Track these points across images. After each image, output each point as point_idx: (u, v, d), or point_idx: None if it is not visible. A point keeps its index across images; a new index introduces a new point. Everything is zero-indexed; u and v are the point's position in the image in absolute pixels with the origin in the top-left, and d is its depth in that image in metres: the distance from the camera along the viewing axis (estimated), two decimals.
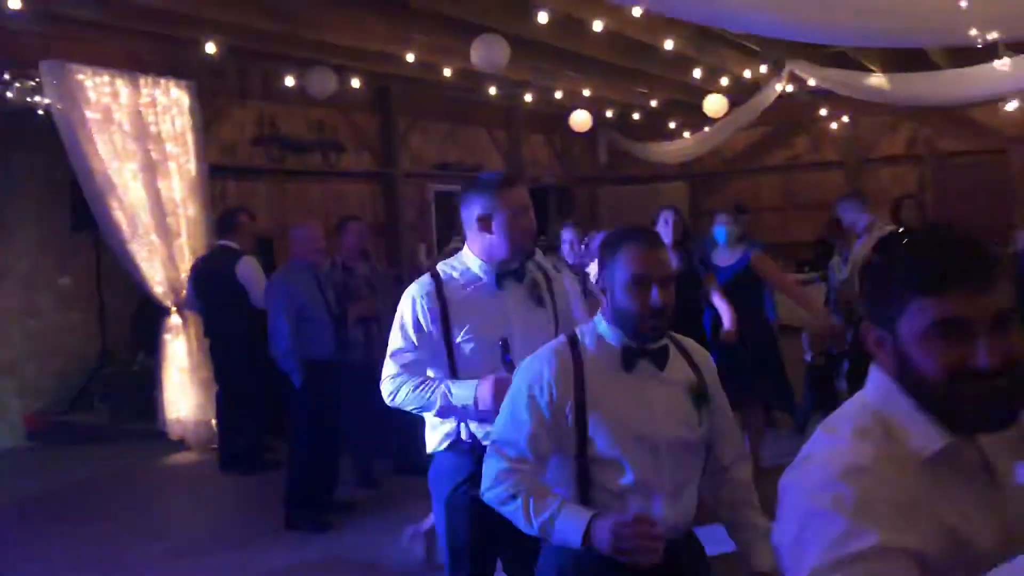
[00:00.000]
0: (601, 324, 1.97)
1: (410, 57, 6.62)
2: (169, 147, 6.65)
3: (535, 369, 1.94)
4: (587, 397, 1.88)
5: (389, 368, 2.47)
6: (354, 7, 6.14)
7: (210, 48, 5.92)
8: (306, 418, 4.96)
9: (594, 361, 1.92)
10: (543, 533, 1.81)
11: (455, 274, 2.48)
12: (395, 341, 2.48)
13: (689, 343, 2.08)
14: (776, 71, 8.19)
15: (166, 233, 6.54)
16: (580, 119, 10.32)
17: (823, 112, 10.38)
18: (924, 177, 10.39)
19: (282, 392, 5.00)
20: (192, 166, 6.79)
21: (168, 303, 6.56)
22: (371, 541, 4.68)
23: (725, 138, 9.94)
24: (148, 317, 6.88)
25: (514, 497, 1.84)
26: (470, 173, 9.91)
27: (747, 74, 8.14)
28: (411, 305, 2.44)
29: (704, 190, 11.59)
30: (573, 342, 1.97)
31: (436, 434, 2.55)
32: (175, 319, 6.59)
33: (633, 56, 7.84)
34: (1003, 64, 7.57)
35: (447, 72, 7.13)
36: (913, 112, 10.21)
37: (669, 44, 6.66)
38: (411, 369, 2.44)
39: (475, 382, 2.35)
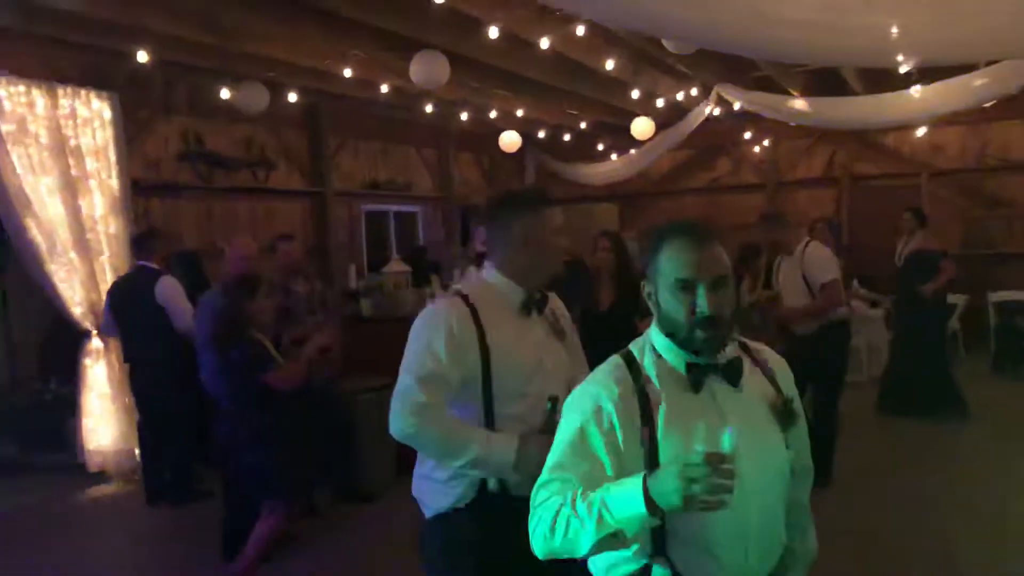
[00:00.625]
0: (658, 338, 1.69)
1: (347, 73, 6.48)
2: (89, 162, 6.32)
3: (590, 398, 1.64)
4: (656, 428, 1.58)
5: (413, 396, 2.09)
6: (290, 20, 5.98)
7: (142, 57, 5.65)
8: (240, 446, 4.72)
9: (658, 382, 1.64)
10: (600, 525, 1.45)
11: (486, 297, 2.22)
12: (420, 367, 2.11)
13: (765, 351, 1.81)
14: (704, 94, 8.37)
15: (86, 251, 6.19)
16: (510, 139, 10.35)
17: (747, 136, 10.69)
18: (840, 200, 10.79)
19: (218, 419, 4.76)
20: (114, 182, 6.46)
21: (88, 325, 6.20)
22: (314, 573, 4.48)
23: (653, 160, 10.10)
24: (62, 342, 6.48)
25: (557, 514, 1.52)
26: (400, 192, 9.80)
27: (680, 96, 8.28)
28: (444, 327, 2.14)
29: (632, 211, 11.75)
30: (630, 362, 1.69)
31: (451, 486, 2.21)
32: (96, 343, 6.23)
33: (568, 77, 7.91)
34: (916, 92, 7.96)
35: (384, 88, 7.01)
36: (830, 137, 10.64)
37: (610, 64, 6.72)
38: (437, 399, 2.10)
39: (515, 437, 2.10)
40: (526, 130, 10.59)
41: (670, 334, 1.66)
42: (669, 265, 1.63)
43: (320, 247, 8.66)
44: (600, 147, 11.16)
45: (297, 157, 8.47)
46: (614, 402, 1.60)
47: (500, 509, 2.14)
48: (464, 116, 8.76)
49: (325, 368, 5.30)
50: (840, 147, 10.83)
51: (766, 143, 10.91)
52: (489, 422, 2.16)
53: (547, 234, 2.23)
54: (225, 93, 6.73)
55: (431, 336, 2.15)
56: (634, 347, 1.73)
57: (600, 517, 1.45)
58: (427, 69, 6.23)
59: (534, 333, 2.26)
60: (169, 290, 5.45)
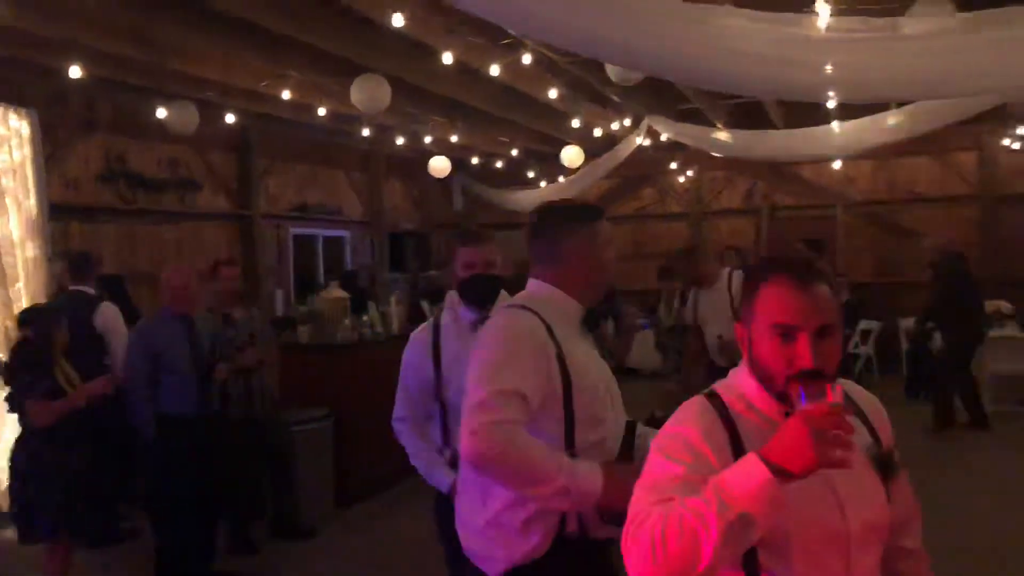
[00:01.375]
0: (746, 381, 1.50)
1: (286, 95, 6.33)
2: (5, 182, 5.97)
3: (677, 436, 1.44)
4: None
5: (491, 413, 1.84)
6: (226, 39, 5.82)
7: (74, 73, 5.38)
8: (167, 480, 4.53)
9: (748, 430, 1.44)
10: (722, 510, 1.22)
11: (550, 313, 2.03)
12: (500, 380, 1.88)
13: (860, 393, 1.63)
14: (634, 125, 8.54)
15: (1, 276, 5.83)
16: (439, 165, 10.31)
17: (673, 166, 10.94)
18: (760, 229, 11.15)
19: (143, 452, 4.58)
20: (32, 203, 6.11)
21: (3, 356, 5.81)
22: None
23: (584, 187, 10.23)
24: None
25: (666, 520, 1.26)
26: (329, 216, 9.63)
27: (615, 127, 8.43)
28: (528, 340, 1.95)
29: None
30: (714, 399, 1.50)
31: (530, 531, 1.94)
32: None
33: (504, 105, 7.95)
34: (836, 127, 8.33)
35: (322, 112, 6.88)
36: (750, 168, 11.00)
37: (553, 93, 6.78)
38: (518, 417, 1.87)
39: (598, 467, 1.91)
40: (457, 156, 10.58)
41: (765, 380, 1.46)
42: (767, 306, 1.44)
43: (248, 271, 8.39)
44: (530, 174, 11.23)
45: (223, 179, 8.21)
46: (702, 439, 1.41)
47: (582, 555, 1.94)
48: (400, 141, 8.68)
49: (263, 398, 5.13)
50: (760, 178, 11.21)
51: (690, 173, 11.19)
52: (570, 451, 1.96)
53: (602, 247, 2.11)
54: (156, 112, 6.48)
55: (513, 347, 1.94)
56: (718, 388, 1.54)
57: (719, 502, 1.23)
58: (368, 93, 6.15)
59: (592, 352, 2.14)
60: (111, 318, 5.21)
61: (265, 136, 8.41)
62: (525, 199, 11.16)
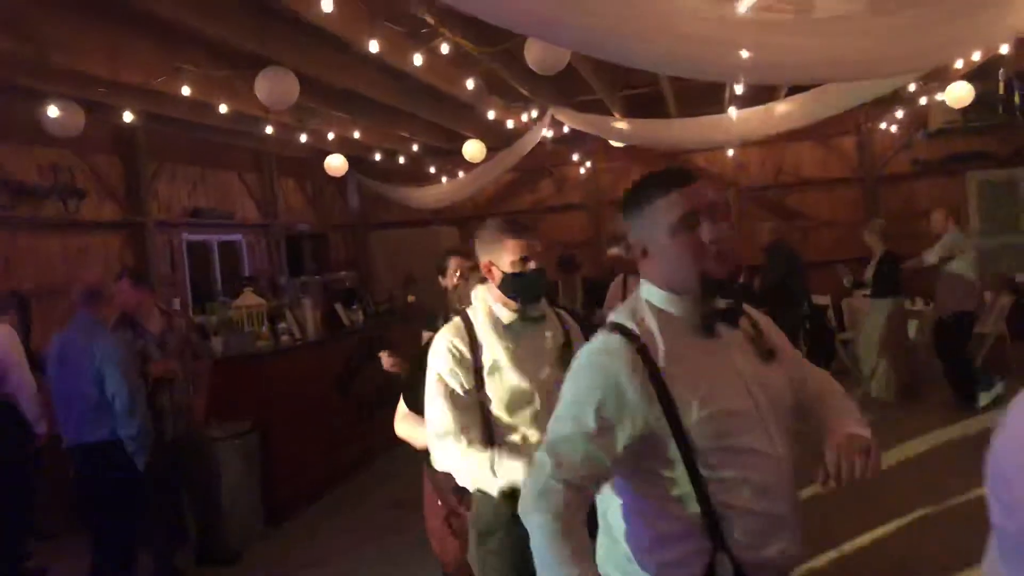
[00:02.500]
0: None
1: (186, 91, 5.92)
2: None
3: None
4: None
5: (540, 470, 1.64)
6: (113, 31, 5.39)
7: None
8: (117, 509, 4.22)
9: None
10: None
11: (655, 326, 1.67)
12: (559, 428, 1.65)
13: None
14: (540, 117, 8.51)
15: None
16: (336, 163, 9.97)
17: (575, 157, 11.00)
18: None
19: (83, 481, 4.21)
20: None
21: None
22: None
23: (486, 182, 10.14)
24: None
25: None
26: (224, 221, 9.16)
27: (524, 118, 8.38)
28: (602, 380, 1.63)
29: (466, 233, 11.71)
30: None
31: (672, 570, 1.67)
32: None
33: (410, 99, 7.76)
34: (731, 116, 8.58)
35: (223, 109, 6.48)
36: (646, 159, 11.19)
37: (470, 84, 6.65)
38: (572, 479, 1.62)
39: None
40: (354, 154, 10.26)
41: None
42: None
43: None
44: (432, 170, 11.04)
45: (109, 185, 7.63)
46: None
47: None
48: (304, 139, 8.32)
49: (178, 416, 4.77)
50: (654, 168, 11.39)
51: (588, 164, 11.29)
52: (710, 518, 1.62)
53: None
54: (35, 112, 5.92)
55: (582, 392, 1.66)
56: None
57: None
58: (275, 88, 5.83)
59: (733, 358, 1.70)
60: (9, 340, 4.74)
61: (153, 138, 7.87)
62: (425, 196, 10.98)
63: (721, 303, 1.68)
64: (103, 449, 4.20)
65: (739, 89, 7.05)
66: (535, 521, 1.62)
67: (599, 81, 8.03)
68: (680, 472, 1.61)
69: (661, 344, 1.64)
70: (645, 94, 9.30)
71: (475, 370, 2.46)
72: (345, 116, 8.19)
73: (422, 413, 2.66)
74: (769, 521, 1.63)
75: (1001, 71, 5.63)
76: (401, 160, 10.57)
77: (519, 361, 2.46)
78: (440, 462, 2.47)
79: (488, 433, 2.44)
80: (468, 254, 4.63)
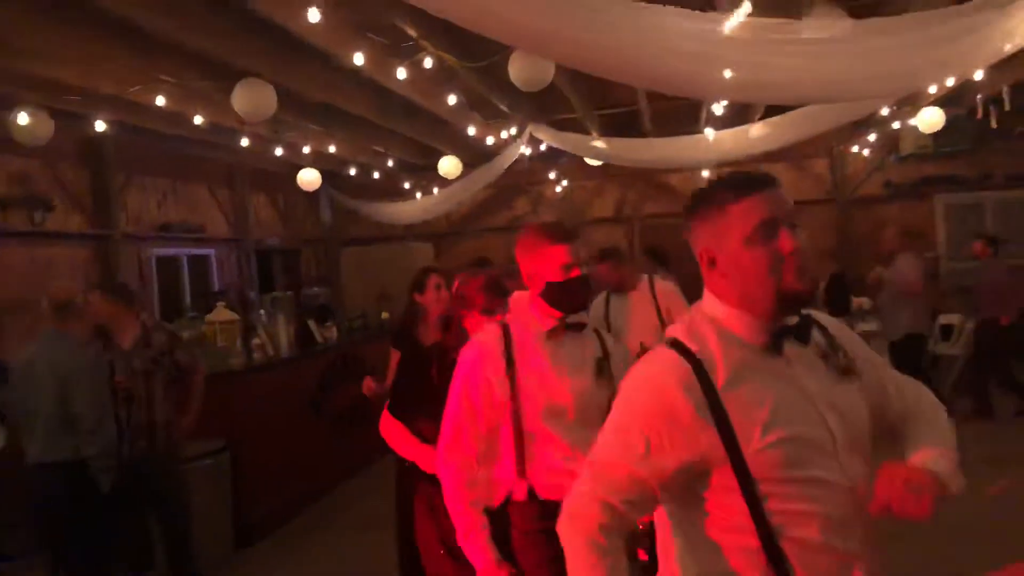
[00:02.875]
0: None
1: (160, 101, 5.79)
2: None
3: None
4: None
5: (582, 501, 1.57)
6: (87, 38, 5.24)
7: None
8: (79, 531, 4.06)
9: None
10: None
11: (715, 342, 1.53)
12: (604, 458, 1.56)
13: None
14: (519, 134, 8.48)
15: None
16: (309, 178, 9.85)
17: (552, 175, 10.99)
18: (632, 236, 11.40)
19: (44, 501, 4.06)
20: None
21: None
22: None
23: (463, 198, 10.07)
24: None
25: None
26: (193, 235, 8.98)
27: (504, 135, 8.34)
28: (651, 401, 1.51)
29: (441, 249, 11.63)
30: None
31: None
32: None
33: (388, 114, 7.68)
34: (708, 136, 8.63)
35: (198, 120, 6.35)
36: (620, 178, 11.25)
37: (452, 99, 6.61)
38: (617, 511, 1.53)
39: None
40: (327, 168, 10.15)
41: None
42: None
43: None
44: (407, 185, 10.96)
45: (77, 196, 7.44)
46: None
47: None
48: (279, 152, 8.21)
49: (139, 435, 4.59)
50: (629, 188, 11.49)
51: (565, 183, 11.29)
52: (771, 554, 1.46)
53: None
54: (4, 121, 5.75)
55: (632, 411, 1.54)
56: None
57: None
58: (253, 100, 5.72)
59: (803, 378, 1.53)
60: None
61: (122, 148, 7.70)
62: (399, 212, 10.89)
63: (791, 318, 1.54)
64: (66, 468, 4.02)
65: (718, 110, 7.09)
66: (570, 540, 1.55)
67: (578, 99, 8.03)
68: (737, 502, 1.46)
69: (722, 363, 1.49)
70: (622, 113, 9.33)
71: (510, 378, 2.38)
72: (320, 129, 8.09)
73: (406, 419, 2.64)
74: (839, 559, 1.47)
75: (979, 96, 5.69)
76: (376, 175, 10.48)
77: (557, 370, 2.40)
78: (441, 477, 2.43)
79: (519, 444, 2.38)
80: (445, 271, 4.55)
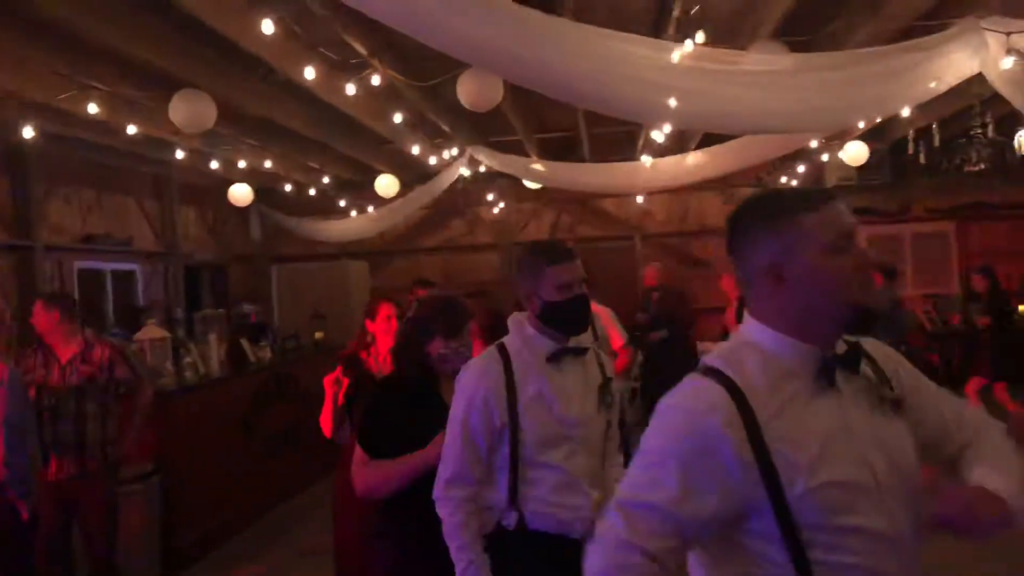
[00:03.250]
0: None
1: (92, 109, 5.57)
2: None
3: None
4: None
5: (615, 544, 1.38)
6: (22, 40, 5.02)
7: None
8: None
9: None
10: None
11: (758, 372, 1.40)
12: (636, 498, 1.39)
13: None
14: (460, 155, 8.48)
15: None
16: (240, 193, 9.64)
17: (490, 197, 11.00)
18: None
19: None
20: None
21: None
22: None
23: (398, 219, 9.99)
24: None
25: None
26: (119, 248, 8.66)
27: (447, 156, 8.32)
28: (686, 438, 1.37)
29: (376, 268, 11.48)
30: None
31: None
32: None
33: (326, 130, 7.58)
34: (645, 163, 8.78)
35: (131, 130, 6.14)
36: (555, 202, 11.35)
37: (398, 118, 6.55)
38: (655, 552, 1.35)
39: None
40: (259, 184, 9.94)
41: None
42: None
43: (26, 311, 7.26)
44: (342, 203, 10.81)
45: None
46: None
47: None
48: (215, 165, 8.00)
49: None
50: (564, 211, 11.59)
51: (502, 204, 11.32)
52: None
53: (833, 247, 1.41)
54: None
55: (665, 448, 1.40)
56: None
57: None
58: (191, 111, 5.57)
59: (851, 414, 1.40)
60: None
61: (46, 158, 7.38)
62: (332, 230, 10.73)
63: (842, 345, 1.44)
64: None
65: (660, 138, 7.21)
66: None
67: (519, 122, 8.08)
68: (778, 551, 1.33)
69: (766, 395, 1.36)
70: (561, 138, 9.43)
71: (510, 405, 2.28)
72: (256, 144, 7.92)
73: (383, 457, 2.55)
74: None
75: (911, 131, 5.95)
76: (312, 192, 10.31)
77: (559, 395, 2.31)
78: (441, 513, 2.29)
79: (513, 471, 2.29)
80: (396, 301, 4.42)
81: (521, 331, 2.39)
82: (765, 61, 4.91)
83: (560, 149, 9.65)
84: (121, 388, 4.44)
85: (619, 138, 9.55)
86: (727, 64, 4.78)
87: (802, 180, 10.59)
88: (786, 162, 9.93)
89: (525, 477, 2.29)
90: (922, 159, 5.66)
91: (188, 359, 5.87)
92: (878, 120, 6.57)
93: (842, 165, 9.73)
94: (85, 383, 4.25)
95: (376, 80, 5.35)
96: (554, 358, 2.34)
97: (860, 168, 9.61)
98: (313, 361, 7.93)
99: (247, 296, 11.06)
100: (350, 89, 5.33)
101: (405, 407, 2.62)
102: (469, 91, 5.40)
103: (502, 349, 2.38)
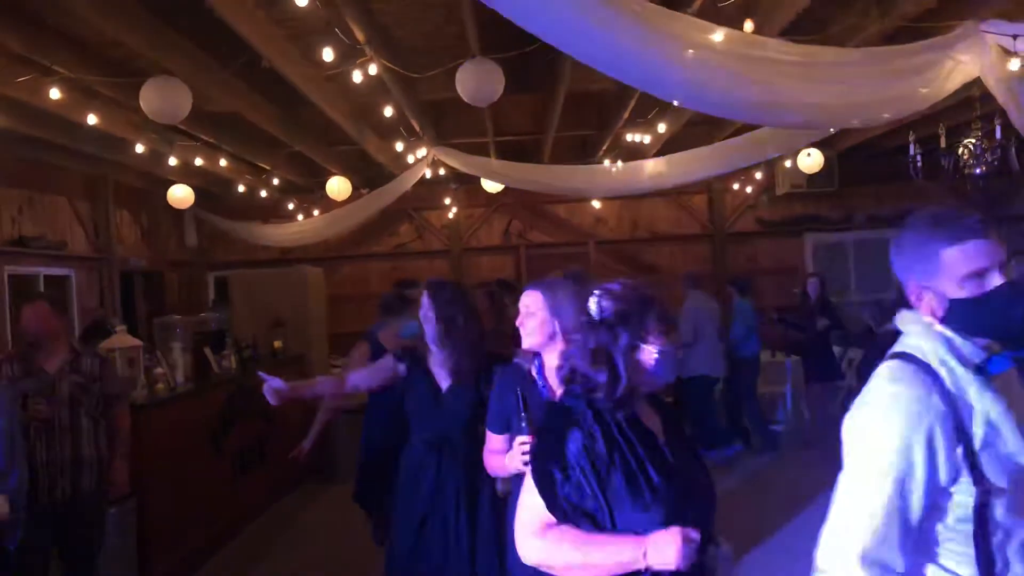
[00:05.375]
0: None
1: (55, 94, 5.06)
2: None
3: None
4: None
5: None
6: None
7: None
8: None
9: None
10: None
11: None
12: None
13: None
14: (426, 156, 8.19)
15: None
16: (180, 194, 9.08)
17: (448, 201, 10.72)
18: (520, 264, 11.30)
19: None
20: None
21: None
22: None
23: (352, 223, 9.58)
24: None
25: None
26: (52, 252, 8.00)
27: (411, 159, 8.02)
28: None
29: (330, 273, 10.98)
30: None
31: None
32: None
33: (288, 127, 7.19)
34: (607, 167, 8.71)
35: (92, 120, 5.62)
36: (507, 207, 11.15)
37: (389, 111, 6.24)
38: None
39: None
40: (203, 185, 9.40)
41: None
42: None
43: None
44: (290, 206, 10.34)
45: None
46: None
47: None
48: (172, 162, 7.50)
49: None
50: (516, 217, 11.40)
51: (455, 210, 11.06)
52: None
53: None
54: None
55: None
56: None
57: None
58: (163, 99, 5.12)
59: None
60: None
61: None
62: (277, 234, 10.24)
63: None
64: None
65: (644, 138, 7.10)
66: None
67: (489, 122, 7.88)
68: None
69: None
70: (522, 141, 9.24)
71: (964, 446, 1.45)
72: (213, 141, 7.44)
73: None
74: None
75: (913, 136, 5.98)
76: (264, 193, 9.82)
77: (1019, 424, 1.53)
78: None
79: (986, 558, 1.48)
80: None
81: (932, 334, 1.59)
82: (801, 51, 4.75)
83: (520, 152, 9.47)
84: (105, 402, 3.99)
85: (577, 145, 9.46)
86: (757, 49, 4.61)
87: (756, 186, 10.73)
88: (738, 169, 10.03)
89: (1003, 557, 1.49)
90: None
91: (159, 369, 5.39)
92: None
93: (794, 172, 9.91)
94: (79, 394, 3.80)
95: (359, 77, 5.02)
96: (993, 369, 1.59)
97: (811, 175, 9.79)
98: (277, 371, 7.48)
99: (182, 305, 10.44)
100: (357, 77, 4.98)
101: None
102: (469, 85, 5.15)
103: (911, 359, 1.57)
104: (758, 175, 10.19)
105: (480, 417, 3.01)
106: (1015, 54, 4.69)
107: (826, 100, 4.67)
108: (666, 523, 1.69)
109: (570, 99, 7.01)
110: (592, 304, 1.95)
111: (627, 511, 1.74)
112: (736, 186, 10.83)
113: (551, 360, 2.52)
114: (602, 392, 1.83)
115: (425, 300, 3.35)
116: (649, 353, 1.87)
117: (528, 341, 2.57)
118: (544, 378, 2.55)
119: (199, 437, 5.70)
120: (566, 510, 1.75)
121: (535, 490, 1.79)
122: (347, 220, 9.41)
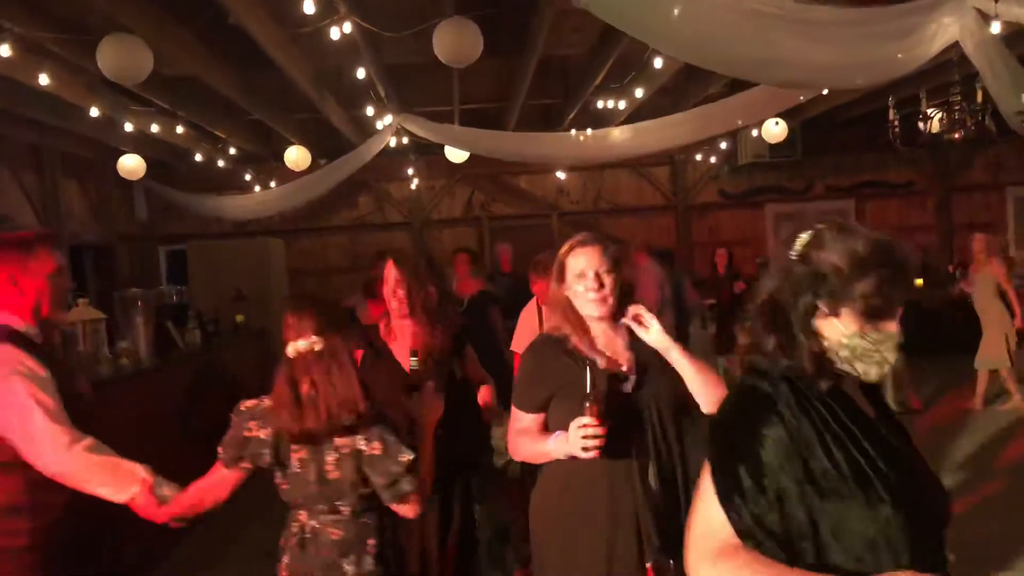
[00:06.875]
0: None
1: (4, 51, 4.74)
2: None
3: None
4: None
5: None
6: None
7: None
8: None
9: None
10: None
11: None
12: None
13: None
14: (391, 125, 7.96)
15: None
16: (131, 165, 8.74)
17: (410, 171, 10.48)
18: (483, 237, 11.15)
19: None
20: None
21: None
22: None
23: (313, 193, 9.30)
24: None
25: None
26: None
27: (381, 124, 7.77)
28: None
29: (291, 245, 10.69)
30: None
31: None
32: None
33: (249, 95, 6.92)
34: (572, 135, 8.60)
35: (44, 80, 5.29)
36: (468, 179, 10.98)
37: (361, 73, 6.00)
38: None
39: None
40: (153, 155, 9.03)
41: None
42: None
43: None
44: (247, 177, 10.01)
45: None
46: None
47: None
48: (129, 127, 7.15)
49: None
50: (478, 189, 11.24)
51: (417, 181, 10.83)
52: None
53: None
54: None
55: None
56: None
57: None
58: (123, 57, 4.84)
59: None
60: None
61: None
62: (233, 205, 9.91)
63: None
64: None
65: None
66: None
67: (457, 89, 7.70)
68: None
69: None
70: (486, 109, 9.06)
71: None
72: (168, 108, 7.12)
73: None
74: None
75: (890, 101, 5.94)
76: (221, 163, 9.48)
77: None
78: None
79: None
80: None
81: None
82: (804, 10, 4.64)
83: (484, 121, 9.28)
84: None
85: (540, 111, 9.33)
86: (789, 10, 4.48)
87: (720, 156, 10.73)
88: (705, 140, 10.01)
89: None
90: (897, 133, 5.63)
91: (123, 343, 5.14)
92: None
93: (757, 142, 9.91)
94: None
95: (336, 34, 4.80)
96: None
97: (773, 145, 9.81)
98: (240, 347, 7.26)
99: (133, 279, 10.06)
100: (335, 34, 4.75)
101: None
102: (448, 44, 4.97)
103: None
104: (723, 145, 10.18)
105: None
106: (994, 18, 4.69)
107: (823, 59, 4.61)
108: (906, 527, 1.36)
109: (537, 66, 6.85)
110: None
111: (854, 509, 1.36)
112: (699, 157, 10.82)
113: (601, 334, 2.38)
114: (809, 364, 1.44)
115: None
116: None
117: (599, 309, 2.37)
118: (597, 352, 2.36)
119: (165, 414, 5.46)
120: (755, 532, 1.38)
121: (714, 501, 1.42)
122: (306, 192, 9.14)
